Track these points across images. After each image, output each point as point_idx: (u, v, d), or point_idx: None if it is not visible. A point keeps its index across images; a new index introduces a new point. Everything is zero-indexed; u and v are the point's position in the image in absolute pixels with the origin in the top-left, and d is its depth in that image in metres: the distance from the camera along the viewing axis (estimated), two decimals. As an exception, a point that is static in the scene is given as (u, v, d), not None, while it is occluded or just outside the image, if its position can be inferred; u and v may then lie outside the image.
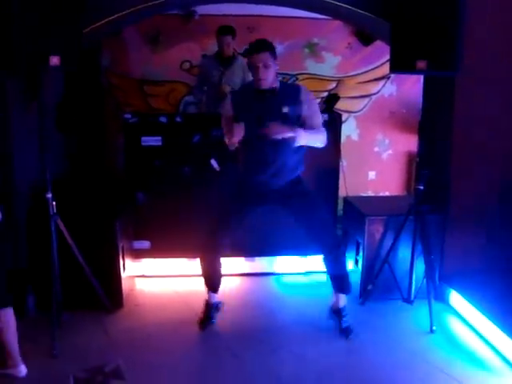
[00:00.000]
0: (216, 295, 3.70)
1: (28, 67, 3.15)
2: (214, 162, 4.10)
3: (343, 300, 3.58)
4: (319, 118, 3.36)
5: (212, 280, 3.66)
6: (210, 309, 3.67)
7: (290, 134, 3.11)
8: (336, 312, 3.58)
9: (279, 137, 3.10)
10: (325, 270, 3.57)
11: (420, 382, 3.03)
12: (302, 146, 3.30)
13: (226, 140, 3.28)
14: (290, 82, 6.05)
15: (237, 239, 4.14)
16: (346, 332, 3.50)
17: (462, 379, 3.03)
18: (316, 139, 3.32)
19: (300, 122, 3.26)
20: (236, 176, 3.53)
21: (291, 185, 3.40)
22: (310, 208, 3.42)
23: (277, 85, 3.29)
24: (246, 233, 4.01)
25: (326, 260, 3.48)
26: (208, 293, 3.69)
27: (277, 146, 3.23)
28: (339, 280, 3.53)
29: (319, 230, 3.42)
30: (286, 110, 3.23)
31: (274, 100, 3.26)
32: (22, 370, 2.94)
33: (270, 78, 3.20)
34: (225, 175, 4.01)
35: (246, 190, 3.44)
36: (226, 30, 5.11)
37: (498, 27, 3.60)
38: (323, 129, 3.36)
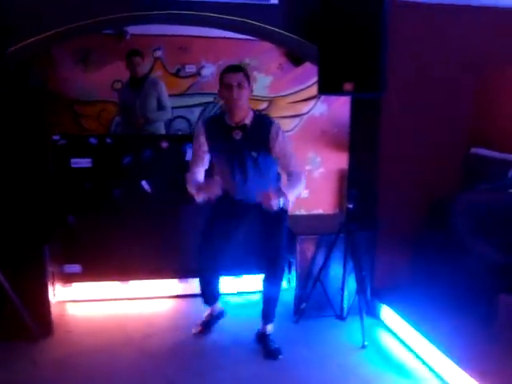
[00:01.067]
0: (219, 306, 3.85)
1: None
2: (145, 184, 4.08)
3: (270, 327, 3.63)
4: (293, 159, 3.31)
5: (210, 295, 3.75)
6: (211, 319, 3.82)
7: (281, 203, 3.11)
8: (263, 336, 3.62)
9: (273, 208, 3.09)
10: (261, 290, 3.62)
11: (352, 398, 3.09)
12: (273, 173, 3.41)
13: (193, 191, 3.25)
14: (219, 105, 6.12)
15: (170, 260, 4.15)
16: (274, 353, 3.50)
17: (393, 393, 3.11)
18: (300, 191, 3.30)
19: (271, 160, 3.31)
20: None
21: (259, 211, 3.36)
22: (275, 228, 3.44)
23: (249, 120, 3.25)
24: (180, 253, 4.00)
25: (265, 280, 3.54)
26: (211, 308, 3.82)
27: (243, 178, 3.33)
28: (268, 305, 3.59)
29: (273, 248, 3.46)
30: (254, 155, 3.25)
31: (243, 141, 3.25)
32: None
33: (243, 101, 3.17)
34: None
35: (226, 207, 3.46)
36: (132, 53, 5.27)
37: (421, 51, 3.78)
38: (299, 171, 3.32)
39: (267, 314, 3.61)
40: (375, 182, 4.00)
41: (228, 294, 4.46)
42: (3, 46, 3.18)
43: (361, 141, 4.02)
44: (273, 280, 3.50)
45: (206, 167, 3.43)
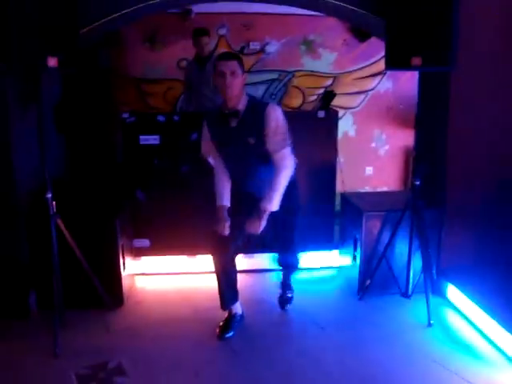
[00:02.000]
0: (238, 306, 3.63)
1: (26, 68, 3.17)
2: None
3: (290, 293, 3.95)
4: (278, 137, 3.20)
5: (228, 297, 3.54)
6: (232, 319, 3.58)
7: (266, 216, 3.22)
8: (286, 285, 3.96)
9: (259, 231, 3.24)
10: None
11: (418, 376, 3.06)
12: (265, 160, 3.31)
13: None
14: (283, 82, 6.13)
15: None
16: (286, 301, 3.91)
17: (460, 372, 3.06)
18: (285, 181, 3.25)
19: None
20: None
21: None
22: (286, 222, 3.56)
23: (242, 106, 3.20)
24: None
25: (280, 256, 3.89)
26: (235, 305, 3.61)
27: (243, 165, 3.33)
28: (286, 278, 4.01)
29: (285, 240, 3.71)
30: (252, 141, 3.19)
31: (239, 128, 3.22)
32: None
33: (235, 89, 3.12)
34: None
35: (238, 200, 3.45)
36: (200, 32, 5.34)
37: (493, 25, 3.62)
38: (281, 154, 3.22)
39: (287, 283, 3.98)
40: (443, 158, 3.92)
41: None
42: (75, 28, 3.27)
43: (429, 116, 3.93)
44: (290, 256, 3.85)
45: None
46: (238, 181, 3.43)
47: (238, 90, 3.15)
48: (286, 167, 3.24)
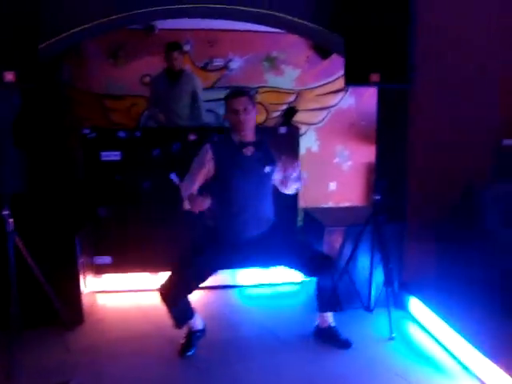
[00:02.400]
0: (197, 321, 3.53)
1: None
2: (174, 176, 4.12)
3: (330, 317, 3.60)
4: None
5: (182, 317, 3.45)
6: (192, 336, 3.51)
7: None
8: (327, 330, 3.59)
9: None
10: (315, 289, 3.53)
11: (380, 389, 3.08)
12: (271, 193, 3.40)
13: (185, 202, 3.24)
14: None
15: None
16: (346, 343, 3.52)
17: (422, 385, 3.09)
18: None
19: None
20: (205, 224, 3.44)
21: (268, 233, 3.40)
22: (289, 249, 3.44)
23: (257, 139, 3.31)
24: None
25: (319, 283, 3.47)
26: (191, 322, 3.50)
27: (253, 197, 3.30)
28: (330, 299, 3.51)
29: (305, 261, 3.42)
30: (268, 169, 3.30)
31: (255, 158, 3.29)
32: None
33: (249, 124, 3.23)
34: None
35: (220, 240, 3.35)
36: (173, 46, 5.24)
37: (447, 40, 3.73)
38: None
39: (330, 306, 3.56)
40: (403, 173, 3.98)
41: (256, 286, 4.51)
42: (34, 42, 3.22)
43: (388, 131, 4.00)
44: (326, 281, 3.45)
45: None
46: (233, 217, 3.32)
47: (252, 123, 3.27)
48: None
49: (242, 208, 3.29)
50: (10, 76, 3.07)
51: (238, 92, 3.31)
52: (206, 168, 3.28)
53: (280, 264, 3.61)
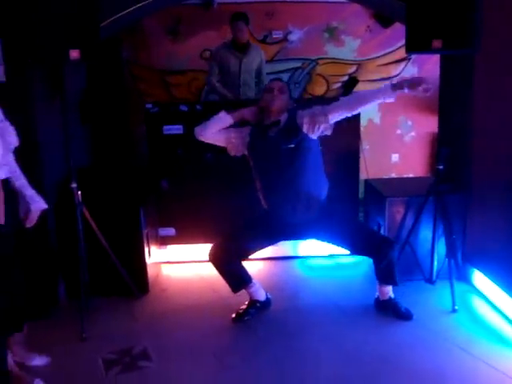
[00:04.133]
0: (259, 292, 3.64)
1: (50, 61, 3.24)
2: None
3: (390, 289, 3.59)
4: (328, 106, 3.35)
5: (236, 281, 3.57)
6: (251, 305, 3.62)
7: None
8: (387, 302, 3.59)
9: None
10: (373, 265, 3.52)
11: (442, 362, 3.04)
12: (318, 165, 3.43)
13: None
14: (307, 70, 6.12)
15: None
16: (406, 315, 3.51)
17: (485, 358, 3.03)
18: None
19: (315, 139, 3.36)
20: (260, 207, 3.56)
21: (318, 215, 3.41)
22: (340, 231, 3.45)
23: (283, 119, 3.37)
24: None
25: (377, 263, 3.45)
26: (249, 293, 3.61)
27: (293, 181, 3.33)
28: (386, 273, 3.48)
29: (363, 245, 3.44)
30: (291, 145, 3.31)
31: (278, 135, 3.35)
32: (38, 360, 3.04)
33: (279, 103, 3.34)
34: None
35: (273, 221, 3.45)
36: (238, 16, 5.16)
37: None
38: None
39: (388, 279, 3.52)
40: (467, 141, 3.87)
41: (317, 257, 4.53)
42: (97, 20, 3.31)
43: (453, 100, 3.88)
44: (385, 263, 3.41)
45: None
46: (274, 195, 3.42)
47: (280, 105, 3.36)
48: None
49: (273, 189, 3.40)
50: (74, 54, 3.17)
51: (278, 79, 3.65)
52: (240, 133, 3.50)
53: (337, 246, 3.63)
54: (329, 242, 3.62)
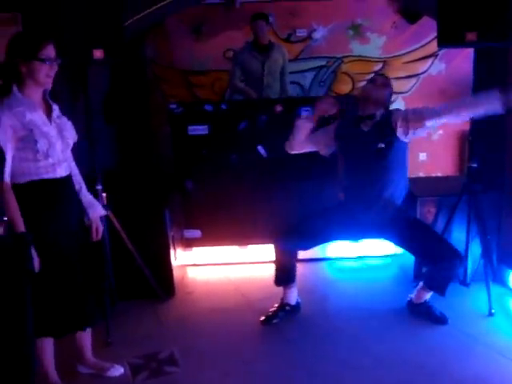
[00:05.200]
0: (292, 295, 3.57)
1: (73, 61, 3.20)
2: (261, 149, 4.10)
3: (429, 295, 3.47)
4: (423, 109, 3.23)
5: (285, 275, 3.53)
6: (281, 308, 3.55)
7: None
8: (421, 305, 3.48)
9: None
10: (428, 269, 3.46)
11: (481, 368, 2.92)
12: (403, 168, 3.38)
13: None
14: (332, 68, 6.01)
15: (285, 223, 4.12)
16: (442, 319, 3.40)
17: (525, 363, 2.92)
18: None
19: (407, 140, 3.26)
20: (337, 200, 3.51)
21: (392, 217, 3.34)
22: (407, 232, 3.35)
23: (379, 113, 3.27)
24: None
25: (435, 271, 3.36)
26: (284, 292, 3.56)
27: (366, 174, 3.26)
28: (440, 281, 3.36)
29: (431, 252, 3.31)
30: (381, 145, 3.22)
31: (370, 132, 3.27)
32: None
33: (381, 97, 3.27)
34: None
35: (346, 214, 3.38)
36: (258, 16, 5.08)
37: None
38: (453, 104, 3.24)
39: (437, 287, 3.38)
40: (502, 139, 3.74)
41: (346, 259, 4.43)
42: (119, 20, 3.28)
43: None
44: (449, 269, 3.30)
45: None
46: (353, 189, 3.38)
47: (380, 98, 3.27)
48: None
49: (354, 184, 3.34)
50: (98, 53, 3.14)
51: (384, 76, 3.69)
52: (326, 132, 3.44)
53: (403, 249, 3.56)
54: (396, 245, 3.57)
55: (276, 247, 3.45)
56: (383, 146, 3.21)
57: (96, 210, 2.85)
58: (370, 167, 3.25)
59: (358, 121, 3.30)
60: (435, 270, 3.33)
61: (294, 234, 3.41)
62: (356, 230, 3.45)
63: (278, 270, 3.51)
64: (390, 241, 3.55)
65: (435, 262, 3.30)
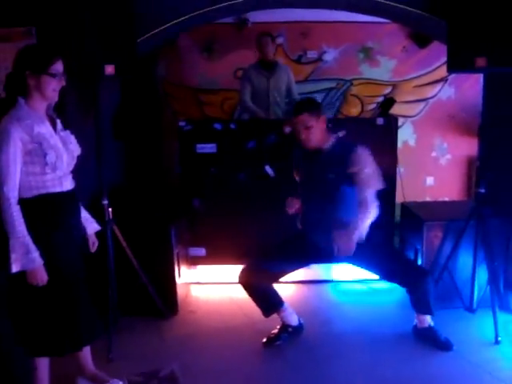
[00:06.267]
0: (291, 317, 3.53)
1: (85, 76, 3.22)
2: (268, 169, 4.10)
3: (428, 318, 3.43)
4: (368, 182, 3.17)
5: (268, 305, 3.47)
6: (283, 330, 3.50)
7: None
8: (426, 330, 3.43)
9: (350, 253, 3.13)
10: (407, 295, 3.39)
11: (484, 396, 2.89)
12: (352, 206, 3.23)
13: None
14: (341, 90, 6.06)
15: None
16: (447, 345, 3.35)
17: (530, 393, 2.87)
18: (365, 225, 3.17)
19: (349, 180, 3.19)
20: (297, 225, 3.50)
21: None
22: (374, 257, 3.30)
23: (327, 145, 3.23)
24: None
25: (410, 293, 3.34)
26: (281, 317, 3.50)
27: (333, 207, 3.22)
28: (421, 304, 3.36)
29: (396, 273, 3.31)
30: (331, 175, 3.19)
31: (319, 163, 3.24)
32: None
33: (313, 139, 3.19)
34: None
35: (307, 242, 3.35)
36: (264, 33, 5.16)
37: None
38: (368, 199, 3.15)
39: (422, 310, 3.38)
40: (510, 165, 3.72)
41: (350, 282, 4.40)
42: (132, 36, 3.31)
43: (494, 121, 3.74)
44: (419, 293, 3.29)
45: None
46: (310, 219, 3.37)
47: (316, 137, 3.20)
48: (368, 216, 3.16)
49: (311, 214, 3.32)
50: (110, 69, 3.18)
51: (298, 108, 3.24)
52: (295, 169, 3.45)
53: (369, 271, 3.53)
54: (361, 267, 3.49)
55: (244, 287, 3.40)
56: (333, 176, 3.18)
57: (91, 226, 2.87)
58: (323, 195, 3.22)
59: (307, 155, 3.30)
60: (410, 293, 3.31)
61: (257, 272, 3.35)
62: (321, 256, 3.37)
63: (258, 303, 3.44)
64: (356, 265, 3.45)
65: (403, 283, 3.30)
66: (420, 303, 3.35)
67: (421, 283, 3.23)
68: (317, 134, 3.20)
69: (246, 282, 3.36)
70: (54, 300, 2.53)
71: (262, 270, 3.35)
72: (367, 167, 3.15)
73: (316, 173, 3.26)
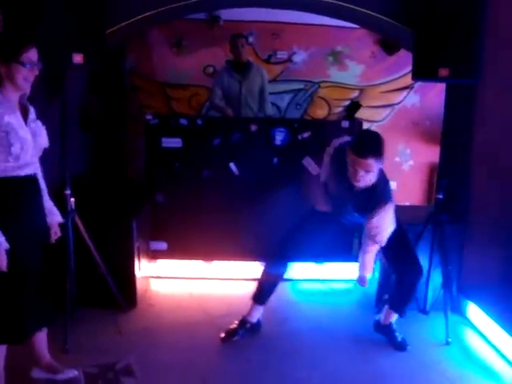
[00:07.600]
0: (254, 313, 3.55)
1: (52, 63, 3.19)
2: (233, 166, 4.12)
3: (394, 317, 3.51)
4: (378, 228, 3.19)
5: (265, 294, 3.54)
6: (242, 325, 3.52)
7: None
8: (386, 327, 3.52)
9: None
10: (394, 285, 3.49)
11: (432, 395, 2.97)
12: None
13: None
14: (309, 92, 6.10)
15: (253, 242, 4.14)
16: (402, 345, 3.44)
17: (476, 392, 2.97)
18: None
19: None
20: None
21: None
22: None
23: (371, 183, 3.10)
24: (264, 237, 4.01)
25: (398, 282, 3.42)
26: (251, 309, 3.55)
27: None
28: (400, 300, 3.46)
29: (396, 256, 3.38)
30: (356, 216, 3.31)
31: (357, 194, 3.16)
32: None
33: (367, 182, 3.03)
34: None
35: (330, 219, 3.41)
36: (239, 35, 5.18)
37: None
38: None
39: (397, 307, 3.47)
40: (467, 173, 3.83)
41: (309, 281, 4.46)
42: (102, 26, 3.29)
43: (454, 130, 3.86)
44: (407, 283, 3.39)
45: None
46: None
47: (367, 182, 3.05)
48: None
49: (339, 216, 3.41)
50: (78, 58, 3.15)
51: (365, 150, 2.93)
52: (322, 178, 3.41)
53: None
54: None
55: (266, 270, 3.47)
56: (357, 216, 3.30)
57: (54, 218, 2.83)
58: (348, 216, 3.37)
59: (349, 185, 3.13)
60: (398, 282, 3.40)
61: (285, 255, 3.45)
62: (338, 232, 3.49)
63: (259, 289, 3.50)
64: None
65: (398, 271, 3.38)
66: (399, 298, 3.43)
67: (413, 278, 3.32)
68: (373, 178, 3.04)
69: (273, 269, 3.44)
70: (7, 284, 2.50)
71: (293, 251, 3.43)
72: (384, 222, 3.16)
73: (349, 198, 3.24)
